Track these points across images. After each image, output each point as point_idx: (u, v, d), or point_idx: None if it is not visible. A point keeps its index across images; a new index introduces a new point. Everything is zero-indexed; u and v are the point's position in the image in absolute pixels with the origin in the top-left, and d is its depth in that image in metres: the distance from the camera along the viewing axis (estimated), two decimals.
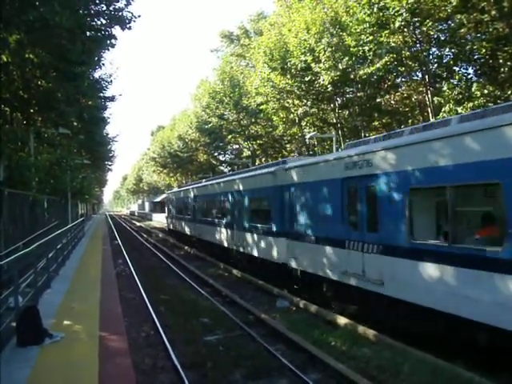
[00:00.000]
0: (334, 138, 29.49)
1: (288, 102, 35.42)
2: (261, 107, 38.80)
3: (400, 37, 23.83)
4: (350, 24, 25.60)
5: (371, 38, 23.70)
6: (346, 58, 27.10)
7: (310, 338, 11.25)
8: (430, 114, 24.63)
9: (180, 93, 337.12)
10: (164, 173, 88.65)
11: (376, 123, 35.04)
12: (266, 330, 12.43)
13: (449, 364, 8.83)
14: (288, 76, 32.04)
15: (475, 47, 22.08)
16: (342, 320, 12.44)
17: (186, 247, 34.57)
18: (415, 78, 28.26)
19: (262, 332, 12.27)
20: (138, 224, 77.58)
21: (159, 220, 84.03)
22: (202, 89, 55.68)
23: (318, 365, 9.68)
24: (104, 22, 17.43)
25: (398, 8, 21.61)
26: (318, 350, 10.28)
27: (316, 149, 41.15)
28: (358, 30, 24.29)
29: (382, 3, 22.22)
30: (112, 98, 33.51)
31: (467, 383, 8.11)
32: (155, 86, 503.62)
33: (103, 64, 26.85)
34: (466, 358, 8.87)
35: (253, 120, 47.94)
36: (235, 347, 11.15)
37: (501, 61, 21.83)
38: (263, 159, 53.66)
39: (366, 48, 24.30)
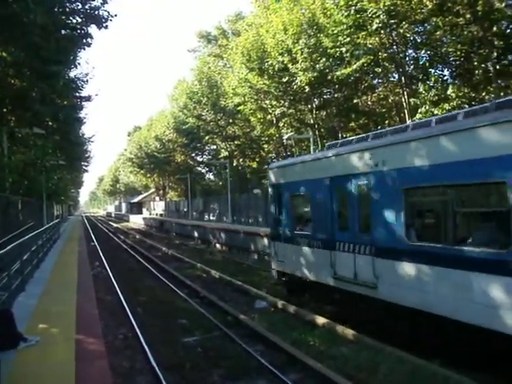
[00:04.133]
0: (311, 139, 29.68)
1: (265, 103, 35.46)
2: (238, 108, 38.76)
3: (377, 38, 24.07)
4: (328, 25, 25.78)
5: (348, 39, 23.89)
6: (324, 59, 27.27)
7: (288, 338, 11.24)
8: (407, 115, 24.91)
9: (157, 93, 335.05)
10: (141, 173, 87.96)
11: (353, 124, 35.30)
12: (245, 331, 12.37)
13: (426, 362, 8.92)
14: (265, 77, 32.10)
15: (450, 50, 22.48)
16: (320, 320, 12.45)
17: (164, 248, 34.35)
18: (392, 79, 28.56)
19: (241, 333, 12.21)
20: (114, 225, 76.77)
21: (136, 221, 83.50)
22: (179, 89, 55.42)
23: (297, 365, 9.67)
24: (79, 20, 17.20)
25: (375, 10, 21.82)
26: (297, 350, 10.28)
27: (293, 149, 41.30)
28: (336, 32, 24.45)
29: (359, 5, 22.42)
30: (88, 98, 33.04)
31: (444, 381, 8.19)
32: (132, 86, 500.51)
33: (79, 63, 26.45)
34: (443, 357, 8.97)
35: (230, 121, 47.88)
36: (214, 348, 11.10)
37: (475, 63, 22.22)
38: (241, 160, 53.67)
39: (343, 49, 24.48)
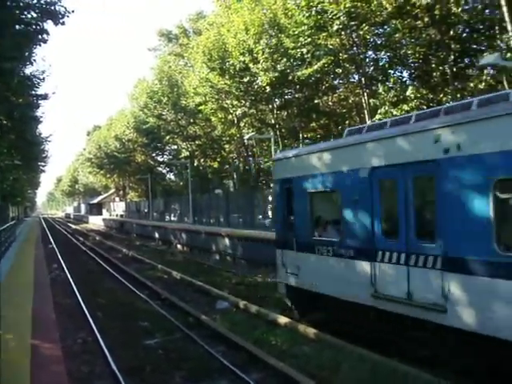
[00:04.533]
0: (272, 139, 29.78)
1: (226, 103, 35.40)
2: (199, 107, 38.56)
3: (337, 39, 24.32)
4: (289, 26, 25.93)
5: (309, 40, 24.06)
6: (285, 60, 27.41)
7: (250, 338, 11.21)
8: (367, 116, 25.24)
9: (117, 92, 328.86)
10: (101, 174, 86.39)
11: (314, 124, 35.57)
12: (207, 332, 12.28)
13: (387, 359, 9.02)
14: (226, 76, 32.05)
15: (409, 52, 22.94)
16: (282, 319, 12.45)
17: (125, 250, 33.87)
18: (352, 80, 28.90)
19: (203, 334, 12.11)
20: (73, 227, 75.23)
21: (95, 222, 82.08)
22: (139, 88, 54.69)
23: (259, 364, 9.65)
24: (35, 15, 16.67)
25: (335, 11, 22.05)
26: (259, 349, 10.25)
27: (254, 150, 41.40)
28: (297, 32, 24.61)
29: (319, 6, 22.61)
30: (45, 96, 32.05)
31: (403, 377, 8.30)
32: (91, 85, 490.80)
33: (35, 60, 25.62)
34: (402, 354, 9.10)
35: (191, 120, 47.56)
36: (175, 350, 10.98)
37: (433, 65, 22.74)
38: (202, 160, 53.39)
39: (304, 50, 24.66)
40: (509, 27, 18.79)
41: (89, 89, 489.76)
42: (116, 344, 11.45)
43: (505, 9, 18.63)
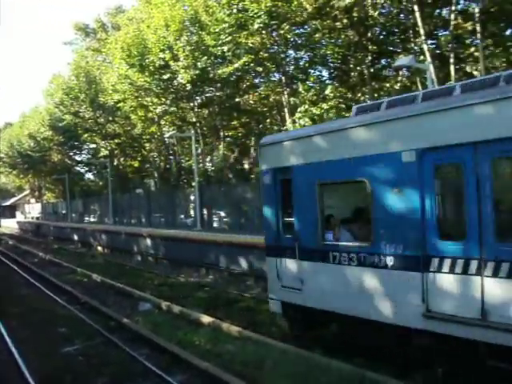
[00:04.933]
0: (193, 137, 29.65)
1: (146, 100, 34.83)
2: (118, 105, 37.71)
3: (258, 38, 24.57)
4: (210, 23, 25.84)
5: (230, 38, 24.11)
6: (205, 57, 27.29)
7: (174, 339, 11.06)
8: (287, 114, 25.64)
9: (30, 87, 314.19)
10: (13, 174, 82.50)
11: (235, 122, 35.73)
12: (129, 335, 12.00)
13: (309, 353, 9.17)
14: (146, 73, 31.48)
15: (329, 52, 23.59)
16: (205, 319, 12.42)
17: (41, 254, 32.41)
18: (273, 78, 29.26)
19: (125, 337, 11.81)
20: None
21: (9, 226, 78.38)
22: (54, 84, 52.78)
23: (183, 365, 9.55)
24: None
25: (256, 10, 22.23)
26: (182, 350, 10.13)
27: (175, 148, 41.02)
28: (218, 30, 24.59)
29: (241, 5, 22.72)
30: None
31: (325, 368, 8.45)
32: (0, 80, 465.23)
33: None
34: (324, 346, 9.29)
35: (110, 118, 46.44)
36: (96, 356, 10.63)
37: (351, 65, 23.52)
38: (121, 159, 52.25)
39: (225, 48, 24.72)
40: (421, 31, 19.78)
41: None
42: (31, 354, 10.88)
43: (417, 14, 19.63)
